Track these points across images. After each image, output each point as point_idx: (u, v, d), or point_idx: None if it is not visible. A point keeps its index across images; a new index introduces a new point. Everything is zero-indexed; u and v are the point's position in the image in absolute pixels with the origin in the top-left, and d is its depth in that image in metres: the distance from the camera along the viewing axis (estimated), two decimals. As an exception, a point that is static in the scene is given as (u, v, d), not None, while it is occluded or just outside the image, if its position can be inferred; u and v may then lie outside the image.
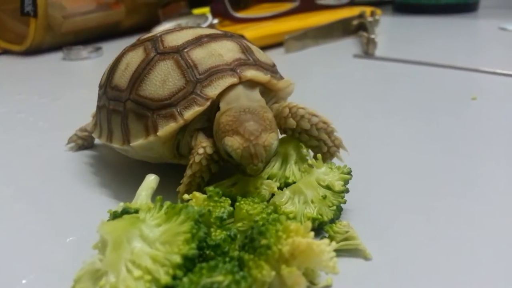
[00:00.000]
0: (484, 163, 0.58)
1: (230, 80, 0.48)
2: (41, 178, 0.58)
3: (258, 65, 0.51)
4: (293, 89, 0.55)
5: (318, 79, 0.98)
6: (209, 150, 0.46)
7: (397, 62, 1.03)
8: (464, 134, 0.66)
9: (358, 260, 0.40)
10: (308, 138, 0.50)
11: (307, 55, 1.15)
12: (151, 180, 0.44)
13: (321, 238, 0.40)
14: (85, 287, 0.33)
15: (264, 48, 1.11)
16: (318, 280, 0.37)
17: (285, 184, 0.47)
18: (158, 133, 0.47)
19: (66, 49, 1.22)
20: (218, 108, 0.47)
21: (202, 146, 0.46)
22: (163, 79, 0.49)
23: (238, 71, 0.49)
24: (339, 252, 0.40)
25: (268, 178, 0.48)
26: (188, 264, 0.33)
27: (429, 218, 0.46)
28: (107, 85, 0.55)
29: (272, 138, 0.43)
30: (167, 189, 0.46)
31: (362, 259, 0.40)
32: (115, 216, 0.39)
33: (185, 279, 0.31)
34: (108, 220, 0.41)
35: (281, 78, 0.54)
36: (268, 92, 0.53)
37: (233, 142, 0.43)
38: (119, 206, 0.43)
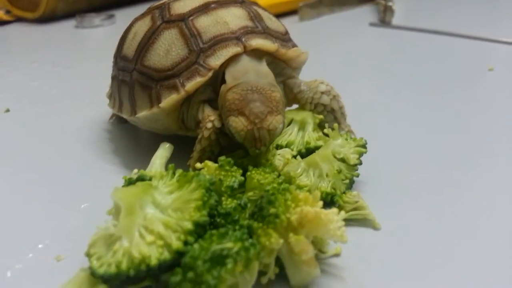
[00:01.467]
0: (499, 136, 0.57)
1: (234, 49, 0.46)
2: (55, 147, 0.59)
3: (267, 33, 0.49)
4: (305, 59, 0.53)
5: (332, 49, 0.97)
6: (218, 124, 0.45)
7: (414, 31, 1.00)
8: (479, 106, 0.65)
9: (367, 230, 0.41)
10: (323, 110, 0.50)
11: (321, 24, 1.13)
12: (165, 149, 0.45)
13: (331, 208, 0.41)
14: (99, 252, 0.34)
15: (277, 16, 1.09)
16: (327, 248, 0.37)
17: (307, 150, 0.47)
18: (160, 105, 0.47)
19: (79, 17, 1.22)
20: (224, 79, 0.46)
21: (210, 120, 0.45)
22: (167, 49, 0.48)
23: (243, 39, 0.47)
24: (349, 222, 0.40)
25: (286, 146, 0.47)
26: (199, 231, 0.34)
27: (438, 189, 0.46)
28: (117, 55, 0.55)
29: (278, 121, 0.42)
30: (181, 158, 0.46)
31: (371, 228, 0.41)
32: (130, 182, 0.40)
33: (196, 245, 0.32)
34: (122, 186, 0.41)
35: (294, 46, 0.52)
36: (278, 61, 0.51)
37: (237, 124, 0.42)
38: (133, 173, 0.43)
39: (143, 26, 0.52)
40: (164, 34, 0.49)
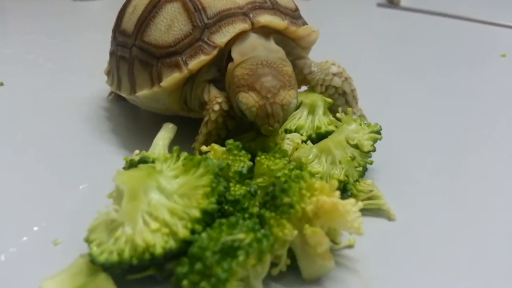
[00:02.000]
0: (513, 123, 0.55)
1: (241, 26, 0.43)
2: (52, 123, 0.56)
3: (276, 9, 0.46)
4: (316, 38, 0.50)
5: (339, 30, 0.93)
6: (225, 106, 0.42)
7: (424, 13, 0.97)
8: (492, 92, 0.63)
9: (382, 220, 0.39)
10: (335, 92, 0.48)
11: (328, 3, 1.10)
12: (168, 130, 0.42)
13: (344, 197, 0.39)
14: (100, 238, 0.32)
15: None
16: (340, 239, 0.35)
17: (317, 135, 0.45)
18: (161, 84, 0.44)
19: (76, -12, 1.18)
20: (230, 57, 0.43)
21: (218, 102, 0.42)
22: (169, 24, 0.45)
23: (251, 15, 0.44)
24: (362, 212, 0.38)
25: (295, 131, 0.45)
26: (207, 219, 0.32)
27: (454, 176, 0.44)
28: (116, 29, 0.52)
29: (291, 96, 0.39)
30: (184, 141, 0.44)
31: (385, 219, 0.39)
32: (131, 164, 0.37)
33: (204, 234, 0.30)
34: (123, 168, 0.39)
35: (304, 24, 0.49)
36: (287, 40, 0.48)
37: (248, 99, 0.39)
38: (135, 153, 0.41)
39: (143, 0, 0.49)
40: (166, 8, 0.46)
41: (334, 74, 0.48)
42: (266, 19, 0.44)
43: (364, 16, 1.01)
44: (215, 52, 0.43)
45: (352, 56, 0.76)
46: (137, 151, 0.41)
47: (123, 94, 0.50)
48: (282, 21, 0.45)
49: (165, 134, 0.42)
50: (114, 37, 0.53)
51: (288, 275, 0.33)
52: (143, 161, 0.37)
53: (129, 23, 0.49)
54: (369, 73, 0.70)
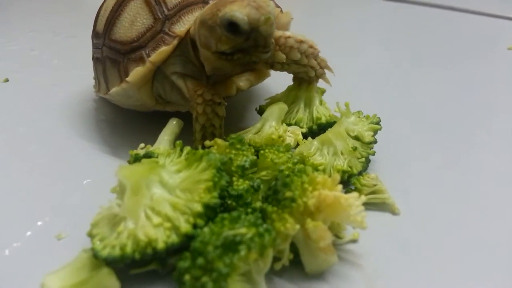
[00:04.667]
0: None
1: (200, 13, 0.42)
2: (56, 118, 0.56)
3: None
4: (289, 20, 0.49)
5: (342, 23, 0.93)
6: (208, 96, 0.42)
7: (429, 6, 0.96)
8: (498, 86, 0.62)
9: (386, 215, 0.38)
10: (297, 67, 0.46)
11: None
12: (174, 125, 0.42)
13: (347, 191, 0.38)
14: (103, 232, 0.32)
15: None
16: (344, 234, 0.35)
17: (318, 126, 0.45)
18: (127, 79, 0.44)
19: (80, -16, 1.17)
20: (196, 46, 0.43)
21: (198, 94, 0.42)
22: (132, 20, 0.45)
23: (210, 2, 0.43)
24: (366, 206, 0.38)
25: (295, 124, 0.45)
26: (209, 213, 0.32)
27: (459, 172, 0.44)
28: (92, 33, 0.53)
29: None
30: (189, 135, 0.44)
31: (389, 213, 0.39)
32: (136, 158, 0.37)
33: (206, 229, 0.30)
34: (128, 162, 0.39)
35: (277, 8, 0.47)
36: None
37: (233, 9, 0.38)
38: (140, 147, 0.41)
39: (112, 0, 0.49)
40: (130, 5, 0.46)
41: (291, 47, 0.45)
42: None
43: (370, 9, 1.00)
44: (175, 42, 0.43)
45: (356, 49, 0.75)
46: (142, 145, 0.41)
47: (101, 95, 0.50)
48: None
49: (171, 129, 0.42)
50: (92, 41, 0.53)
51: (291, 270, 0.33)
52: (148, 156, 0.37)
53: (100, 24, 0.50)
54: (373, 66, 0.69)
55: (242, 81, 0.45)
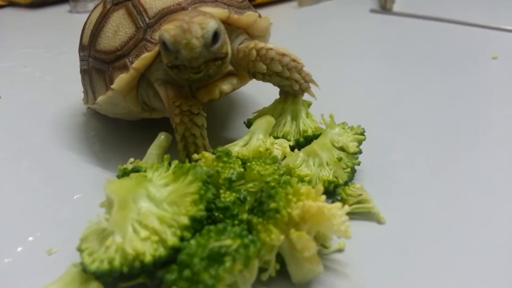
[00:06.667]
0: (503, 124, 0.55)
1: None
2: (48, 134, 0.57)
3: (218, 1, 0.47)
4: (267, 24, 0.50)
5: (332, 36, 0.94)
6: (185, 107, 0.42)
7: (416, 18, 0.98)
8: (483, 95, 0.63)
9: (372, 224, 0.39)
10: (280, 80, 0.47)
11: (321, 9, 1.10)
12: (162, 139, 0.43)
13: (333, 201, 0.39)
14: (91, 247, 0.32)
15: (276, 1, 1.07)
16: (330, 243, 0.36)
17: (305, 138, 0.46)
18: (112, 86, 0.45)
19: (73, 1, 1.19)
20: None
21: (176, 105, 0.43)
22: (115, 30, 0.47)
23: (190, 9, 0.45)
24: (352, 216, 0.38)
25: (282, 137, 0.46)
26: (196, 226, 0.32)
27: (444, 181, 0.44)
28: (79, 46, 0.54)
29: (208, 18, 0.39)
30: (177, 149, 0.44)
31: (375, 222, 0.39)
32: (124, 173, 0.38)
33: (192, 241, 0.31)
34: (117, 176, 0.40)
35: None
36: (236, 30, 0.48)
37: (166, 28, 0.39)
38: (129, 162, 0.42)
39: (96, 13, 0.51)
40: (113, 16, 0.48)
41: (272, 59, 0.45)
42: (206, 10, 0.45)
43: (357, 22, 1.02)
44: (156, 48, 0.44)
45: (345, 62, 0.77)
46: (131, 159, 0.42)
47: (89, 105, 0.52)
48: (223, 10, 0.46)
49: (160, 143, 0.43)
50: (78, 54, 0.55)
51: (278, 280, 0.33)
52: (136, 170, 0.38)
53: (86, 37, 0.51)
54: (362, 78, 0.70)
55: (225, 85, 0.46)
